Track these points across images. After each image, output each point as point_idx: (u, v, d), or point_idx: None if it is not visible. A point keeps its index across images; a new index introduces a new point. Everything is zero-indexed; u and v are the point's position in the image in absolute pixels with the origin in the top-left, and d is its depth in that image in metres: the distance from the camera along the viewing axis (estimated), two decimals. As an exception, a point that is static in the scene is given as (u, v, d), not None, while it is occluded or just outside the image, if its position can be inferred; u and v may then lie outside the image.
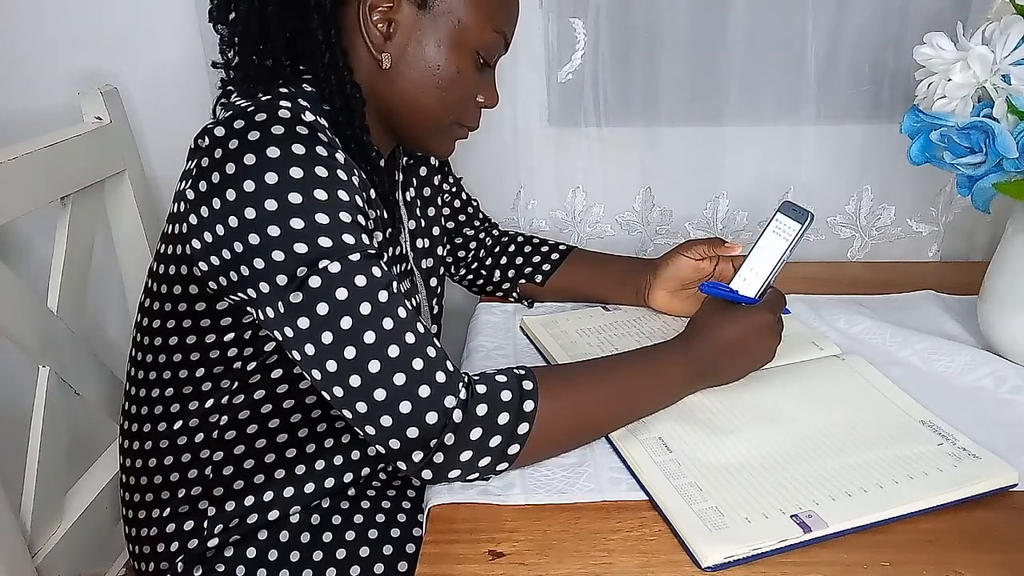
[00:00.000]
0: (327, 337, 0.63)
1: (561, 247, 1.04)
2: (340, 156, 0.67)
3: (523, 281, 1.03)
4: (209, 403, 0.76)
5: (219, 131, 0.65)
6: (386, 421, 0.63)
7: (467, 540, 0.62)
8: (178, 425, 0.77)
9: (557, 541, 0.62)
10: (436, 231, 0.95)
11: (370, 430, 0.64)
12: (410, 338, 0.64)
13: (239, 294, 0.68)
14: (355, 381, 0.63)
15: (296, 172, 0.63)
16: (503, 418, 0.65)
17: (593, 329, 0.93)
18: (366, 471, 0.82)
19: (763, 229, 0.81)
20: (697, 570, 0.58)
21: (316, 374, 0.64)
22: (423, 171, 0.95)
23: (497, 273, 1.05)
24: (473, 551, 0.61)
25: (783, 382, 0.80)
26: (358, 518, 0.80)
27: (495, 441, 0.65)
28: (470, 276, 1.08)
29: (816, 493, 0.63)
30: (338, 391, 0.64)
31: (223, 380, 0.75)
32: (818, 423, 0.73)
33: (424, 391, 0.63)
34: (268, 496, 0.77)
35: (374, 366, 0.63)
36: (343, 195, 0.65)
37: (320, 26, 0.71)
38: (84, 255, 0.93)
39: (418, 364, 0.64)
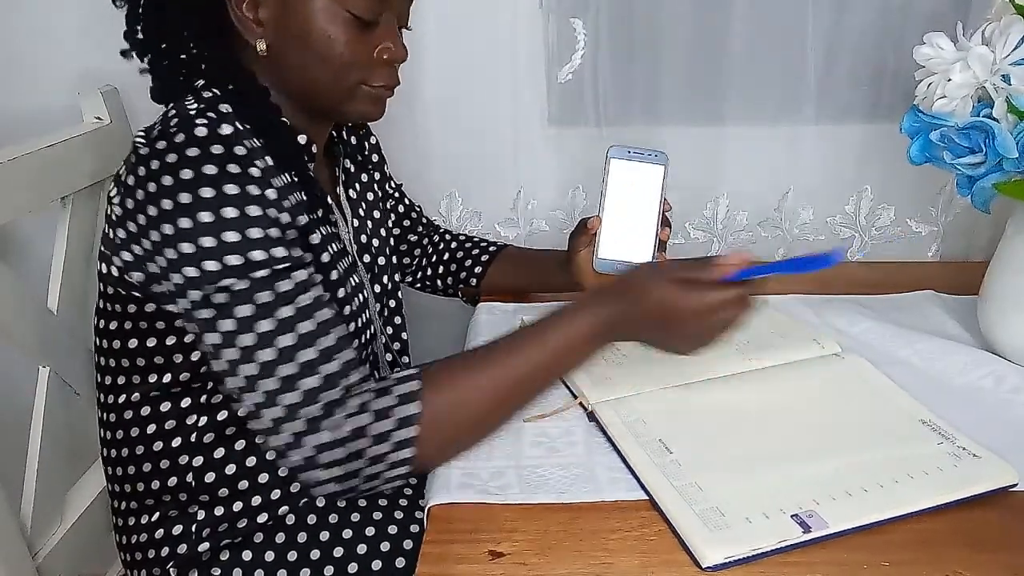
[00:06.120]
0: (231, 353, 0.65)
1: (491, 248, 1.06)
2: (255, 170, 0.67)
3: (462, 285, 1.06)
4: (185, 403, 0.75)
5: (144, 151, 0.67)
6: (286, 438, 0.64)
7: (467, 540, 0.62)
8: (152, 429, 0.76)
9: (557, 541, 0.62)
10: (383, 232, 0.95)
11: (275, 441, 0.65)
12: (306, 355, 0.65)
13: (170, 306, 0.70)
14: (257, 398, 0.65)
15: (207, 192, 0.64)
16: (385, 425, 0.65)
17: (593, 329, 0.93)
18: None
19: (603, 182, 0.79)
20: (697, 570, 0.58)
21: (230, 383, 0.66)
22: (364, 177, 0.95)
23: (439, 280, 1.08)
24: (473, 551, 0.61)
25: (783, 381, 0.80)
26: (355, 516, 0.80)
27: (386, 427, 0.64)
28: (418, 284, 1.11)
29: (816, 493, 0.63)
30: (248, 400, 0.65)
31: (194, 382, 0.75)
32: (818, 422, 0.73)
33: (316, 410, 0.64)
34: (256, 501, 0.77)
35: (270, 384, 0.64)
36: (254, 210, 0.66)
37: (197, 36, 0.74)
38: (84, 255, 0.93)
39: (310, 383, 0.65)
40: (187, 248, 0.65)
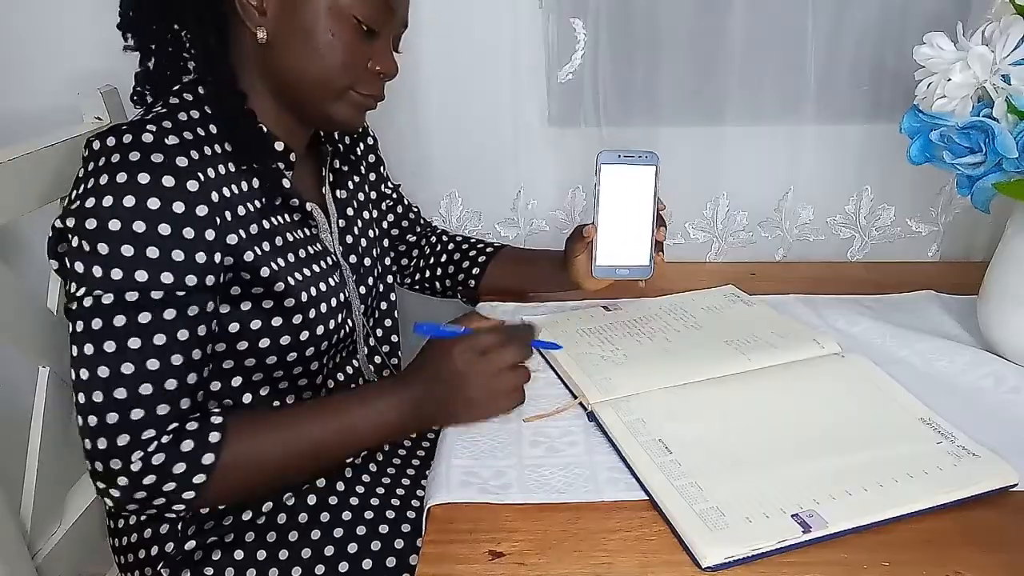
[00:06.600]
0: (75, 351, 0.68)
1: (488, 249, 1.06)
2: (193, 183, 0.68)
3: (460, 287, 1.06)
4: None
5: (96, 144, 0.69)
6: (89, 446, 0.67)
7: (467, 540, 0.62)
8: None
9: (557, 541, 0.62)
10: (371, 234, 0.95)
11: (84, 443, 0.68)
12: (119, 393, 0.67)
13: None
14: (81, 399, 0.67)
15: (128, 200, 0.67)
16: (179, 467, 0.67)
17: (593, 329, 0.93)
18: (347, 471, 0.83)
19: (596, 190, 0.79)
20: (697, 570, 0.58)
21: (72, 375, 0.69)
22: (357, 177, 0.96)
23: (436, 282, 1.08)
24: (473, 551, 0.61)
25: (784, 380, 0.80)
26: (346, 515, 0.80)
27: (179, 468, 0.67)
28: (416, 286, 1.11)
29: (816, 492, 0.63)
30: (76, 397, 0.68)
31: None
32: (818, 421, 0.73)
33: (123, 439, 0.66)
34: None
35: (96, 396, 0.67)
36: (164, 229, 0.67)
37: (195, 18, 0.75)
38: (84, 255, 0.93)
39: (112, 418, 0.66)
40: (86, 246, 0.67)
